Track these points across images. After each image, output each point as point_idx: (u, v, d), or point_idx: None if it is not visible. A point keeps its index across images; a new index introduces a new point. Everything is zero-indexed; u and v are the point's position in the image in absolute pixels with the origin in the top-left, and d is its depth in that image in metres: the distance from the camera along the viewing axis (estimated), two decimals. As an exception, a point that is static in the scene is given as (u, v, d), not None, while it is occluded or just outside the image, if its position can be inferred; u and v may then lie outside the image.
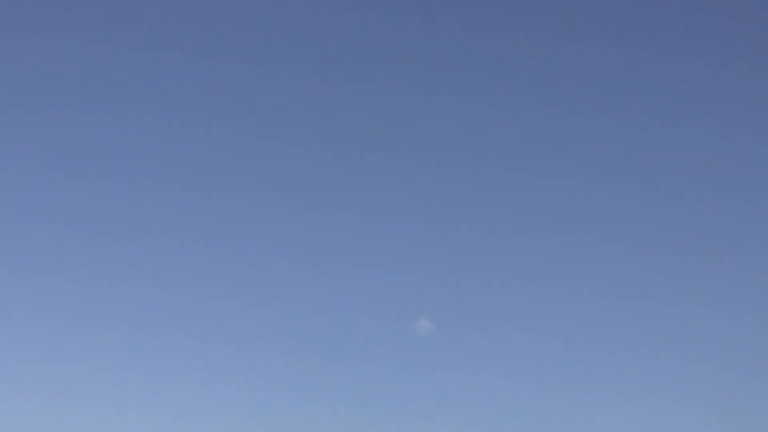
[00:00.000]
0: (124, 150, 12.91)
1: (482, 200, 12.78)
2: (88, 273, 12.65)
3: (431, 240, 12.87)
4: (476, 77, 13.33)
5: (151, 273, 12.65)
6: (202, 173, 12.91)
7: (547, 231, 12.78)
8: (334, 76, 13.23)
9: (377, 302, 12.52)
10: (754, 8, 13.23)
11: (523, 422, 12.00)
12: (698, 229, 12.92)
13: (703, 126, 13.21)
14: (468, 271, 12.68)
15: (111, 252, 12.70)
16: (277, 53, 13.31)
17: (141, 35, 13.23)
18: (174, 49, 13.19)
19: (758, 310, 12.48)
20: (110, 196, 12.84)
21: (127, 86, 13.18)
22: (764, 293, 12.55)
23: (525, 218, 12.79)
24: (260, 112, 13.21)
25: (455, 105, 13.26)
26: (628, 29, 13.41)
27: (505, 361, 12.34)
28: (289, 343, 12.25)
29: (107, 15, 13.24)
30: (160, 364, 12.30)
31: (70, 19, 13.29)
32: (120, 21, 13.22)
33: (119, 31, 13.21)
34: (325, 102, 13.17)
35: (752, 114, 13.18)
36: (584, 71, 13.30)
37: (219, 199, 12.89)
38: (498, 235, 12.85)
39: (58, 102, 13.18)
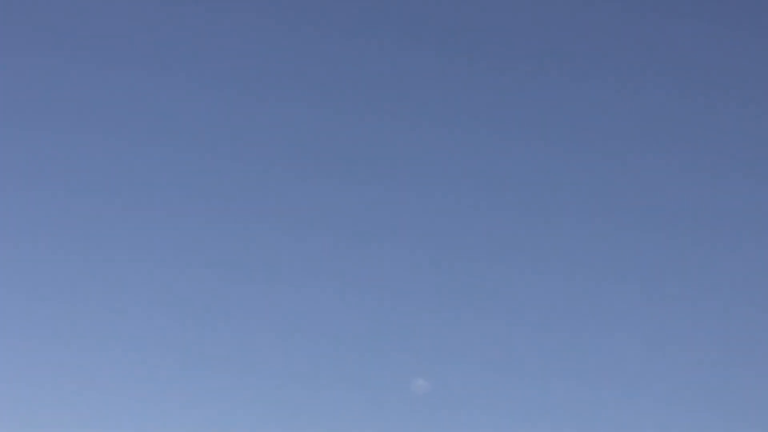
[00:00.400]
0: (117, 166, 12.91)
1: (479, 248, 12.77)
2: (87, 273, 12.65)
3: (425, 292, 12.84)
4: (471, 108, 13.36)
5: (150, 286, 12.66)
6: (196, 197, 12.90)
7: (545, 273, 12.77)
8: (332, 103, 13.25)
9: (372, 362, 12.50)
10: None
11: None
12: (700, 226, 12.92)
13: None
14: (464, 324, 12.65)
15: (102, 264, 12.70)
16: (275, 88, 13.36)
17: (138, 58, 13.25)
18: (172, 75, 13.19)
19: (759, 309, 12.48)
20: (96, 207, 12.85)
21: (123, 110, 13.21)
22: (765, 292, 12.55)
23: (522, 262, 12.77)
24: (258, 137, 13.22)
25: (450, 136, 13.28)
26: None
27: (505, 414, 12.31)
28: (281, 407, 12.24)
29: (104, 39, 13.30)
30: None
31: (62, 39, 13.34)
32: (116, 41, 13.27)
33: (116, 51, 13.25)
34: (323, 128, 13.18)
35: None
36: (582, 112, 13.34)
37: (214, 228, 12.90)
38: (495, 283, 12.80)
39: (50, 121, 13.19)
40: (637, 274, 12.75)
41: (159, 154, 13.06)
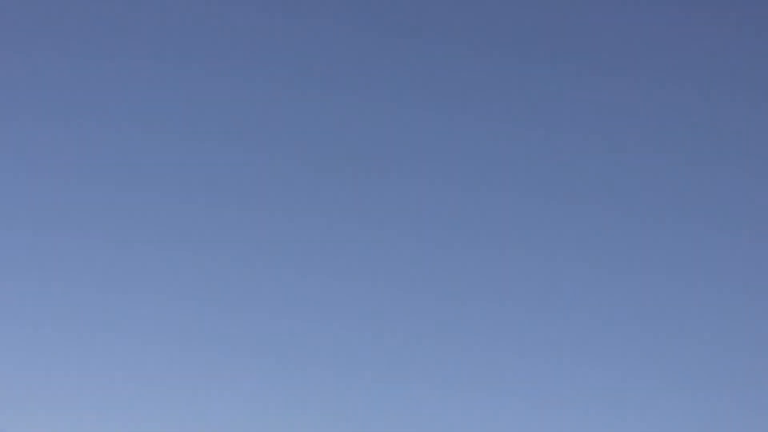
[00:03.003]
0: (119, 160, 12.89)
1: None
2: (86, 276, 12.65)
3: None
4: (474, 95, 13.32)
5: (150, 281, 12.66)
6: (198, 188, 12.90)
7: (547, 267, 12.77)
8: (332, 91, 13.22)
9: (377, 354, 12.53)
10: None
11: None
12: (701, 226, 12.91)
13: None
14: (466, 316, 12.66)
15: (108, 257, 12.70)
16: (274, 68, 13.32)
17: (137, 47, 13.22)
18: (171, 63, 13.18)
19: (760, 309, 12.47)
20: (106, 201, 12.83)
21: (123, 95, 13.18)
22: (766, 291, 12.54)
23: (523, 257, 12.77)
24: (258, 127, 13.20)
25: (454, 122, 13.25)
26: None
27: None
28: (280, 400, 12.27)
29: (105, 27, 13.27)
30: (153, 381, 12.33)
31: (62, 27, 13.31)
32: (116, 31, 13.24)
33: (115, 41, 13.23)
34: (323, 117, 13.16)
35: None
36: (581, 100, 13.31)
37: (215, 216, 12.90)
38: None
39: (46, 109, 13.17)
40: (642, 268, 12.76)
41: (161, 147, 13.05)
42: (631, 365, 12.35)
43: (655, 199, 12.96)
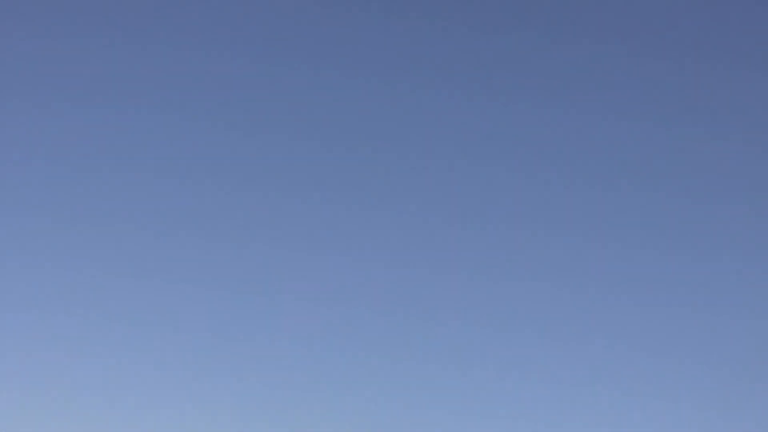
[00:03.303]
0: (123, 147, 12.88)
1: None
2: (89, 269, 12.65)
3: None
4: (481, 76, 13.30)
5: (156, 270, 12.65)
6: (203, 173, 12.89)
7: (541, 279, 12.77)
8: (337, 72, 13.21)
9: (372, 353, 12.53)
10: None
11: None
12: (702, 227, 12.91)
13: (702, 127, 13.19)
14: (459, 325, 12.67)
15: (113, 249, 12.70)
16: (278, 50, 13.30)
17: (138, 32, 13.20)
18: (172, 46, 13.15)
19: (760, 310, 12.48)
20: (110, 192, 12.82)
21: (125, 84, 13.16)
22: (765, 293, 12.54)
23: (517, 266, 12.78)
24: (261, 108, 13.19)
25: (461, 104, 13.24)
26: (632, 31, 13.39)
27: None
28: (279, 403, 12.28)
29: (106, 14, 13.25)
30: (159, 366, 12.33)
31: (67, 17, 13.29)
32: (116, 19, 13.22)
33: (116, 30, 13.20)
34: (329, 98, 13.15)
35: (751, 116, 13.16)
36: (587, 73, 13.28)
37: (219, 200, 12.88)
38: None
39: (54, 99, 13.16)
40: (638, 277, 12.76)
41: (162, 135, 13.07)
42: (630, 363, 12.38)
43: (651, 193, 12.99)
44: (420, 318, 12.61)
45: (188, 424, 12.08)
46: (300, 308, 12.62)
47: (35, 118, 12.98)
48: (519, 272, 12.74)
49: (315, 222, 12.90)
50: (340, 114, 13.23)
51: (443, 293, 12.70)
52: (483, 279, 12.71)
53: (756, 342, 12.32)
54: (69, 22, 13.27)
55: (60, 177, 12.87)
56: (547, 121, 13.17)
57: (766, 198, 12.87)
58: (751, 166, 13.01)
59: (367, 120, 13.25)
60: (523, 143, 13.12)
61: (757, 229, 12.77)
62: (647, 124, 13.11)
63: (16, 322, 12.30)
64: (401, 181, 13.03)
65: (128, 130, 12.99)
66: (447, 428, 12.16)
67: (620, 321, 12.53)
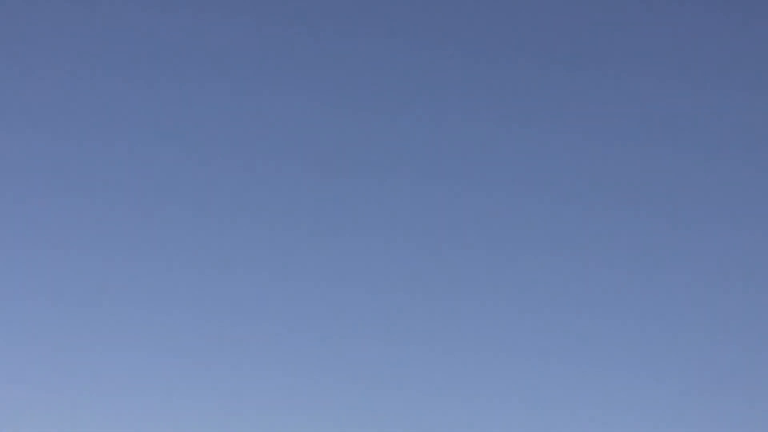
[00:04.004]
0: (114, 165, 12.91)
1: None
2: (85, 279, 12.67)
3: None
4: (475, 99, 13.33)
5: (148, 284, 12.68)
6: (200, 192, 12.92)
7: (544, 265, 12.77)
8: (328, 94, 13.24)
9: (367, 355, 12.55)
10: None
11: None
12: (704, 215, 12.92)
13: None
14: (461, 316, 12.66)
15: (107, 260, 12.72)
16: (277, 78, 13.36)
17: (138, 54, 13.24)
18: (169, 67, 13.19)
19: (759, 310, 12.48)
20: (103, 206, 12.86)
21: (122, 99, 13.20)
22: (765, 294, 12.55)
23: (520, 254, 12.77)
24: (254, 128, 13.21)
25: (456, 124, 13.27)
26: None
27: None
28: (279, 404, 12.29)
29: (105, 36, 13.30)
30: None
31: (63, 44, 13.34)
32: (118, 42, 13.28)
33: (115, 51, 13.26)
34: (324, 122, 13.18)
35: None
36: (587, 97, 13.31)
37: (214, 224, 12.92)
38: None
39: (51, 121, 13.20)
40: (639, 265, 12.76)
41: (153, 152, 13.06)
42: (630, 366, 12.38)
43: (654, 197, 12.98)
44: (420, 318, 12.64)
45: (188, 423, 12.12)
46: (300, 307, 12.67)
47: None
48: (519, 268, 12.78)
49: (319, 215, 12.96)
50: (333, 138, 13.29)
51: (443, 294, 12.75)
52: (483, 278, 12.77)
53: (755, 342, 12.34)
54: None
55: (56, 185, 12.96)
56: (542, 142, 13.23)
57: (764, 200, 12.89)
58: (753, 163, 13.05)
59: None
60: (520, 164, 13.16)
61: (758, 227, 12.79)
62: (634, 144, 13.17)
63: (16, 322, 12.38)
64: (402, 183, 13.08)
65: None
66: (446, 428, 12.19)
67: (619, 321, 12.57)
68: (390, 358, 12.45)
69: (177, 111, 13.14)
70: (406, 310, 12.65)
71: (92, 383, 12.25)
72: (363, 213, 13.00)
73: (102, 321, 12.49)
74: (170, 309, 12.55)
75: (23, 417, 11.98)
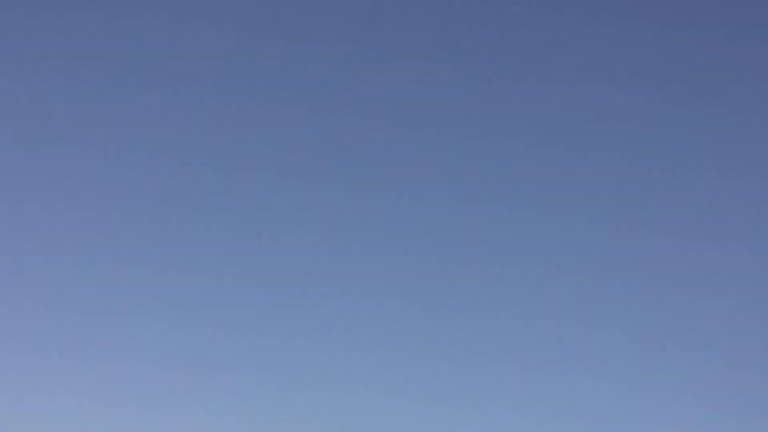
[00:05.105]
0: (116, 170, 12.93)
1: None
2: (86, 278, 12.67)
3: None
4: (476, 105, 13.38)
5: (150, 287, 12.68)
6: (195, 196, 12.94)
7: (545, 273, 12.81)
8: (327, 101, 13.28)
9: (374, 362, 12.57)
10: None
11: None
12: (703, 222, 12.95)
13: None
14: (465, 324, 12.69)
15: (106, 262, 12.73)
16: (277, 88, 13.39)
17: (139, 58, 13.26)
18: (169, 71, 13.21)
19: (759, 309, 12.51)
20: (101, 208, 12.88)
21: (123, 105, 13.21)
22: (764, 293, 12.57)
23: (521, 262, 12.81)
24: (255, 135, 13.24)
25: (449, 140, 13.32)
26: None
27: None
28: (281, 409, 12.29)
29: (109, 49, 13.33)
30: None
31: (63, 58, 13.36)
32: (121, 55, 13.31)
33: (117, 55, 13.29)
34: (317, 128, 13.22)
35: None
36: (581, 114, 13.37)
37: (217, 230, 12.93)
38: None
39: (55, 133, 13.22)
40: (638, 272, 12.78)
41: (154, 157, 13.08)
42: (628, 372, 12.40)
43: (653, 206, 13.02)
44: (419, 319, 12.66)
45: (188, 423, 12.11)
46: (299, 308, 12.67)
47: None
48: (518, 275, 12.80)
49: (317, 215, 12.98)
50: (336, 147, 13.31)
51: (442, 295, 12.76)
52: (481, 276, 12.78)
53: (754, 340, 12.37)
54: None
55: (57, 189, 12.95)
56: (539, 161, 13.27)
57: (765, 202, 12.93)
58: (750, 170, 13.09)
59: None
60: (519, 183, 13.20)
61: (756, 233, 12.83)
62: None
63: (16, 322, 12.36)
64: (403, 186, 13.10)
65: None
66: (446, 428, 12.20)
67: (619, 322, 12.59)
68: (391, 364, 12.48)
69: (178, 115, 13.18)
70: (408, 317, 12.69)
71: (91, 387, 12.27)
72: (364, 219, 13.04)
73: (101, 325, 12.52)
74: (170, 314, 12.59)
75: (23, 419, 11.97)
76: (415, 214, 13.01)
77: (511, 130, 13.25)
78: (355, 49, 13.41)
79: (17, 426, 11.92)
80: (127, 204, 12.86)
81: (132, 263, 12.67)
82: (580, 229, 12.89)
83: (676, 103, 13.22)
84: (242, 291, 12.68)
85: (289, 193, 13.03)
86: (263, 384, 12.31)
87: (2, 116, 13.01)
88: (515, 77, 13.36)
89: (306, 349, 12.48)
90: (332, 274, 12.77)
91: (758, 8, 13.37)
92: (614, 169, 13.05)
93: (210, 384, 12.28)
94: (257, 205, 12.97)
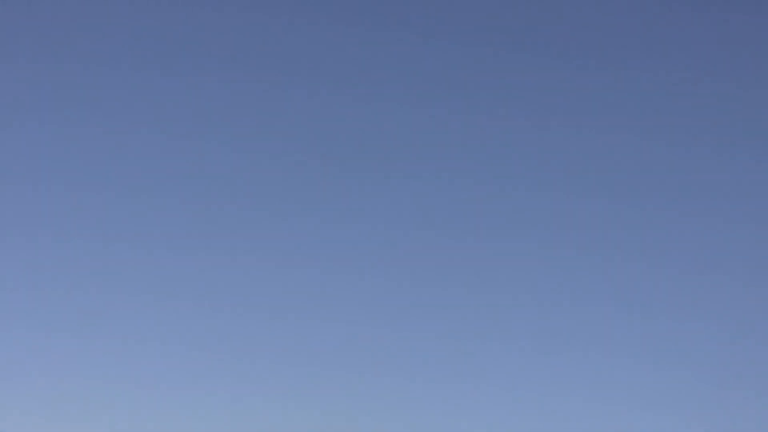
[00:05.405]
0: (121, 160, 12.93)
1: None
2: (86, 277, 12.69)
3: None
4: (474, 90, 13.36)
5: (152, 281, 12.69)
6: (200, 185, 12.94)
7: (548, 261, 12.79)
8: (334, 89, 13.27)
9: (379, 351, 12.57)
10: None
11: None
12: (703, 220, 12.93)
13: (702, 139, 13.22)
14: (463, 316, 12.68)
15: (109, 257, 12.74)
16: (279, 67, 13.37)
17: (145, 47, 13.28)
18: (173, 59, 13.22)
19: (757, 314, 12.49)
20: (105, 201, 12.87)
21: (127, 93, 13.21)
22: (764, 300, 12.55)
23: (523, 251, 12.80)
24: (260, 123, 13.24)
25: (455, 117, 13.29)
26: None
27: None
28: (280, 402, 12.30)
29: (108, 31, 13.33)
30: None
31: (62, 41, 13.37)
32: (121, 35, 13.31)
33: (123, 45, 13.29)
34: (326, 114, 13.20)
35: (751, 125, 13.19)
36: (588, 89, 13.34)
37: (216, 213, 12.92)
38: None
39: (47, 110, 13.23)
40: (643, 261, 12.78)
41: (160, 146, 13.09)
42: (634, 360, 12.37)
43: (660, 193, 13.00)
44: (420, 318, 12.66)
45: (189, 418, 12.12)
46: (300, 307, 12.68)
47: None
48: (518, 278, 12.79)
49: (312, 230, 12.99)
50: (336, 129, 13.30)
51: (442, 296, 12.76)
52: (481, 285, 12.78)
53: (751, 346, 12.35)
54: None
55: (59, 180, 12.97)
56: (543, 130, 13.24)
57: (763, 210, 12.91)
58: (752, 159, 13.06)
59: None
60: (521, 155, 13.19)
61: (758, 223, 12.80)
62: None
63: (17, 318, 12.38)
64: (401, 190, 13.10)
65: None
66: (446, 428, 12.20)
67: (618, 325, 12.57)
68: (396, 351, 12.48)
69: (184, 104, 13.19)
70: (413, 304, 12.68)
71: (93, 379, 12.27)
72: (368, 206, 13.04)
73: (103, 315, 12.51)
74: (174, 302, 12.58)
75: (23, 416, 11.98)
76: (418, 200, 13.05)
77: (518, 116, 13.28)
78: (365, 36, 13.46)
79: (17, 426, 11.95)
80: (130, 192, 12.89)
81: (137, 252, 12.72)
82: (584, 216, 12.90)
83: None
84: (246, 279, 12.73)
85: (293, 181, 13.08)
86: (267, 378, 12.35)
87: (7, 104, 13.12)
88: (522, 64, 13.39)
89: (306, 346, 12.50)
90: (338, 262, 12.81)
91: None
92: (619, 157, 13.07)
93: (210, 384, 12.30)
94: (264, 193, 13.02)
